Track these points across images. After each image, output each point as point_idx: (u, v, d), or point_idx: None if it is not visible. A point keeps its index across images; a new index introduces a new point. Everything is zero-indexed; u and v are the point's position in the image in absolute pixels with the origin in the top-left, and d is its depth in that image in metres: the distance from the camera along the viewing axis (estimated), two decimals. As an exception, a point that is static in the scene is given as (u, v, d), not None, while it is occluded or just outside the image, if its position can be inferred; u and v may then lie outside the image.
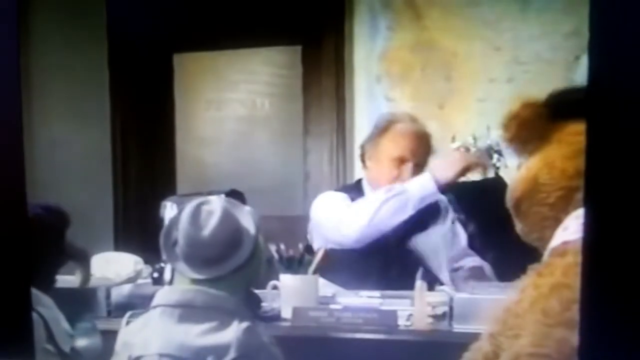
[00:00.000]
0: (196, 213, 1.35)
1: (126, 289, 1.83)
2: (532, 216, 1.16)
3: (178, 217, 1.36)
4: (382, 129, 2.07)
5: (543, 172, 1.13)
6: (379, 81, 3.19)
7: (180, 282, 1.38)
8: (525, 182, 1.16)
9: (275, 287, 1.74)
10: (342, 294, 1.83)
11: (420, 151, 2.03)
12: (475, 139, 3.06)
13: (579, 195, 1.08)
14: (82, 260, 1.70)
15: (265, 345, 1.31)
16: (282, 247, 1.75)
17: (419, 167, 2.03)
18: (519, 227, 1.20)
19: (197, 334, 1.29)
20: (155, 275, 1.82)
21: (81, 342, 1.48)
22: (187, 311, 1.31)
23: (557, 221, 1.11)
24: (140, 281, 1.88)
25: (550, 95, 1.18)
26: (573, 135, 1.12)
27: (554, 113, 1.15)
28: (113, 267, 1.90)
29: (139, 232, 3.25)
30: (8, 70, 0.88)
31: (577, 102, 1.11)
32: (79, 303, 1.68)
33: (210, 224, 1.33)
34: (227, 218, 1.35)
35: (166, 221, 1.79)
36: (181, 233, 1.34)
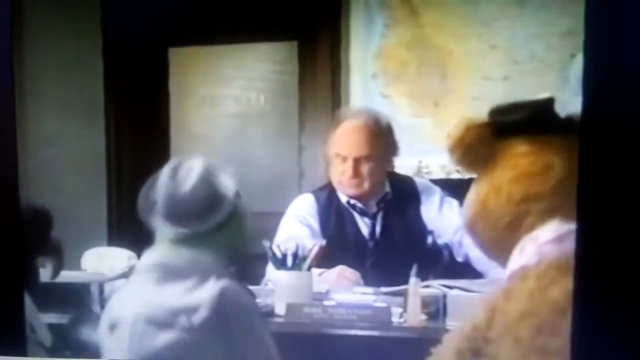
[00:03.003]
0: (175, 170, 1.37)
1: (119, 284, 1.83)
2: (487, 237, 1.17)
3: (157, 176, 1.38)
4: (331, 130, 2.11)
5: (491, 196, 1.14)
6: (374, 78, 3.19)
7: (160, 244, 1.38)
8: (475, 206, 1.17)
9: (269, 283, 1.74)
10: (336, 290, 1.83)
11: (359, 147, 2.04)
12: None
13: (529, 220, 1.10)
14: (56, 253, 1.69)
15: (242, 305, 1.32)
16: (277, 243, 1.75)
17: (362, 161, 2.04)
18: (476, 243, 1.21)
19: (172, 295, 1.30)
20: (149, 270, 1.81)
21: (85, 336, 1.50)
22: (165, 273, 1.32)
23: (510, 244, 1.12)
24: (133, 276, 1.88)
25: (493, 113, 1.19)
26: (518, 157, 1.14)
27: (498, 132, 1.16)
28: (106, 262, 1.90)
29: (133, 227, 3.23)
30: (1, 66, 0.88)
31: (520, 121, 1.14)
32: (72, 298, 1.68)
33: (190, 180, 1.35)
34: (207, 175, 1.37)
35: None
36: (161, 190, 1.36)
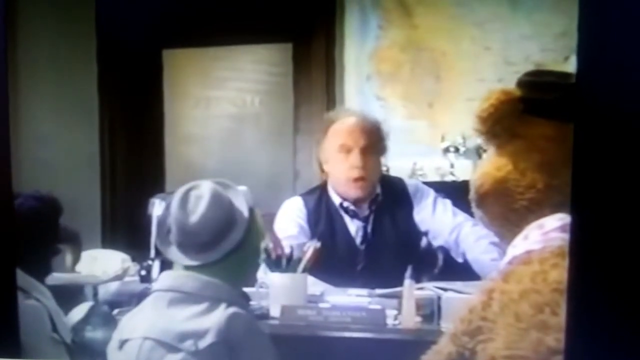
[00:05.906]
0: (184, 199, 1.35)
1: (113, 286, 1.82)
2: (495, 213, 1.17)
3: (169, 205, 1.36)
4: (323, 131, 2.10)
5: (512, 176, 1.14)
6: (369, 80, 3.20)
7: (176, 268, 1.38)
8: (493, 181, 1.16)
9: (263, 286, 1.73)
10: (331, 292, 1.82)
11: (364, 137, 2.04)
12: (464, 138, 3.08)
13: (545, 211, 1.10)
14: (74, 242, 1.71)
15: (251, 334, 1.30)
16: (271, 245, 1.74)
17: (367, 152, 2.04)
18: (478, 215, 1.21)
19: (182, 319, 1.29)
20: (143, 272, 1.81)
21: (97, 334, 1.51)
22: (177, 296, 1.31)
23: (517, 225, 1.12)
24: (127, 279, 1.87)
25: (523, 86, 1.18)
26: (546, 140, 1.13)
27: (527, 109, 1.15)
28: (100, 265, 1.89)
29: (127, 229, 3.23)
30: (-5, 65, 0.88)
31: (550, 102, 1.13)
32: (66, 299, 1.67)
33: (198, 210, 1.33)
34: (217, 201, 1.34)
35: (154, 218, 1.79)
36: (172, 220, 1.34)
